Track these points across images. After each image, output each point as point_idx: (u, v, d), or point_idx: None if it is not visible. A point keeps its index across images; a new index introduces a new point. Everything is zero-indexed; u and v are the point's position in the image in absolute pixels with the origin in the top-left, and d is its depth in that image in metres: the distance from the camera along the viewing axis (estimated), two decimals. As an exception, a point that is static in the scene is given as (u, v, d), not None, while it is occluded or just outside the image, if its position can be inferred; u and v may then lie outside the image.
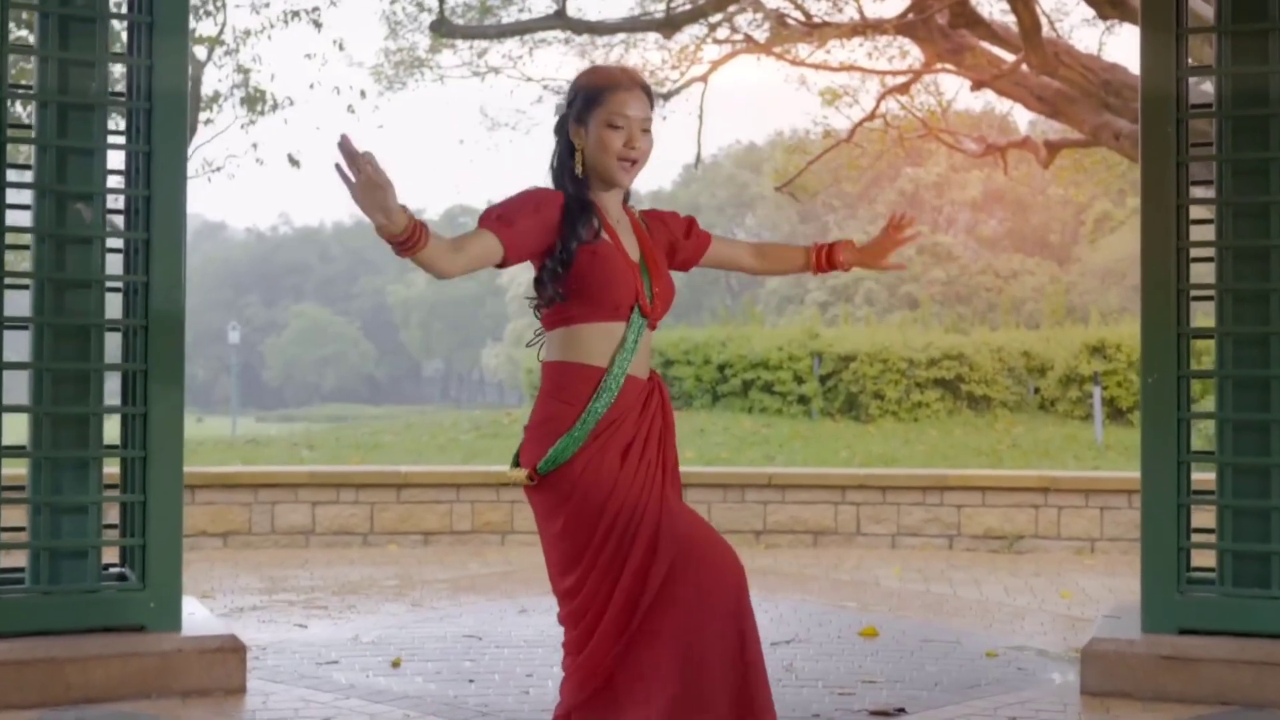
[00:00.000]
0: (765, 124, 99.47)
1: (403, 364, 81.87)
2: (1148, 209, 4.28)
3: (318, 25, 17.40)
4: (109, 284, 4.19)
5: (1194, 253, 4.25)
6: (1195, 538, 4.34)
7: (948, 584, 6.51)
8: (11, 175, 4.07)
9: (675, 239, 3.03)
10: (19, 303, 4.12)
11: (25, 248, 4.15)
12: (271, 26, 17.40)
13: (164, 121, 4.16)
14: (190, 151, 18.63)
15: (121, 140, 4.25)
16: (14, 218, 4.06)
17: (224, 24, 17.31)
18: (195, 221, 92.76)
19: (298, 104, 19.85)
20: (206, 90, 18.63)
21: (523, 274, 58.54)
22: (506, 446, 12.20)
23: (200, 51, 17.93)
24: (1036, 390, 14.18)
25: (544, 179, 2.98)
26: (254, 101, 18.23)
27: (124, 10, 4.41)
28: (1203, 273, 4.36)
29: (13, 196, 4.04)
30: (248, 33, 17.98)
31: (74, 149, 4.11)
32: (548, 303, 2.80)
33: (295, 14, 17.45)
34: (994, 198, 46.45)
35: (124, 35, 4.45)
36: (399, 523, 7.76)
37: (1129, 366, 13.20)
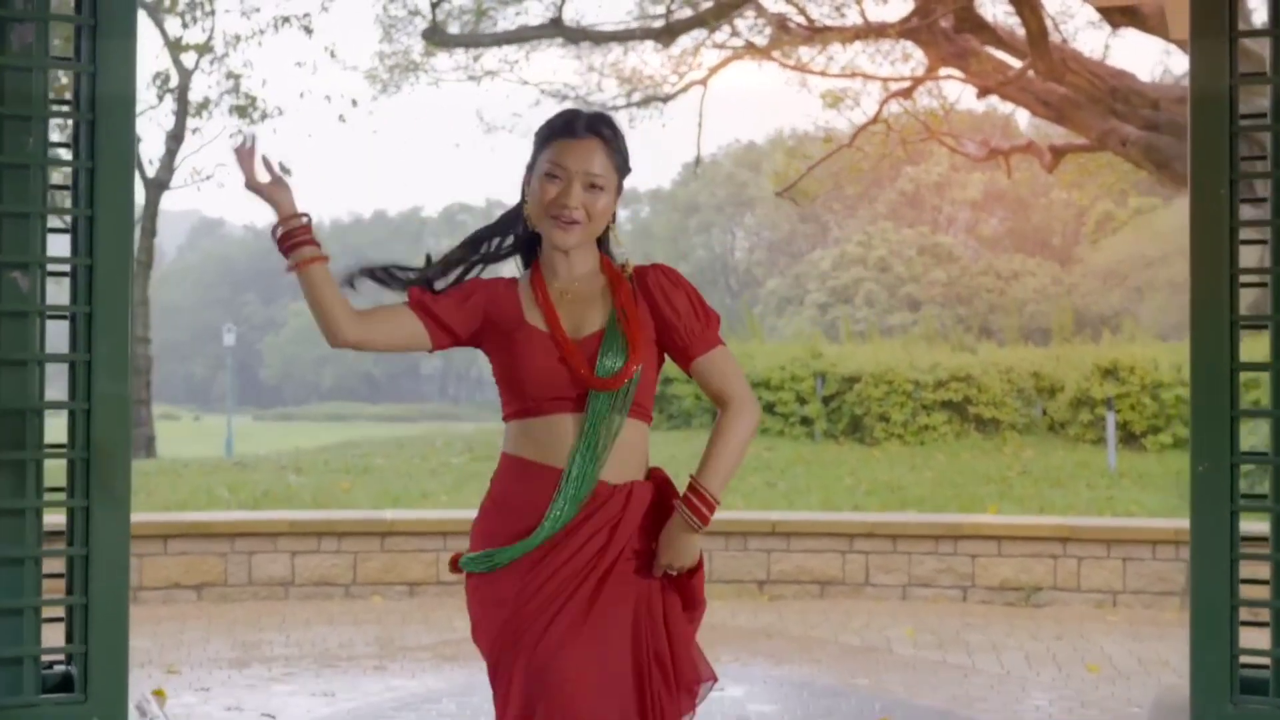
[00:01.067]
0: (765, 124, 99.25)
1: (401, 362, 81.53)
2: (1198, 280, 3.87)
3: (308, 31, 17.05)
4: (49, 361, 3.79)
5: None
6: (1245, 637, 3.94)
7: (964, 650, 6.12)
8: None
9: (673, 316, 2.51)
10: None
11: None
12: (261, 33, 17.05)
13: (108, 182, 3.76)
14: (177, 162, 18.25)
15: (65, 202, 3.85)
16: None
17: (212, 29, 16.96)
18: (193, 218, 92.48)
19: (290, 111, 19.59)
20: (196, 97, 18.29)
21: (521, 272, 57.94)
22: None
23: (188, 59, 17.57)
24: (1044, 411, 13.79)
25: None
26: (245, 110, 17.87)
27: (65, 60, 4.01)
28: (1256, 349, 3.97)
29: (-61, 267, 3.64)
30: (237, 38, 17.63)
31: (9, 213, 3.71)
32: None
33: (286, 20, 17.09)
34: (994, 197, 46.08)
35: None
36: (383, 573, 7.37)
37: (1143, 389, 12.81)
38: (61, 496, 3.77)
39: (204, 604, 7.06)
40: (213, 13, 16.82)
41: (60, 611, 3.89)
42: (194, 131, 17.83)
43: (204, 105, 18.09)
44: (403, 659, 5.82)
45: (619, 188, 2.56)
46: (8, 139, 3.70)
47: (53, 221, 3.84)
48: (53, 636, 3.88)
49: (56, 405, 3.75)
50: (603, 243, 2.59)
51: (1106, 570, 7.27)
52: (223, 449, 28.59)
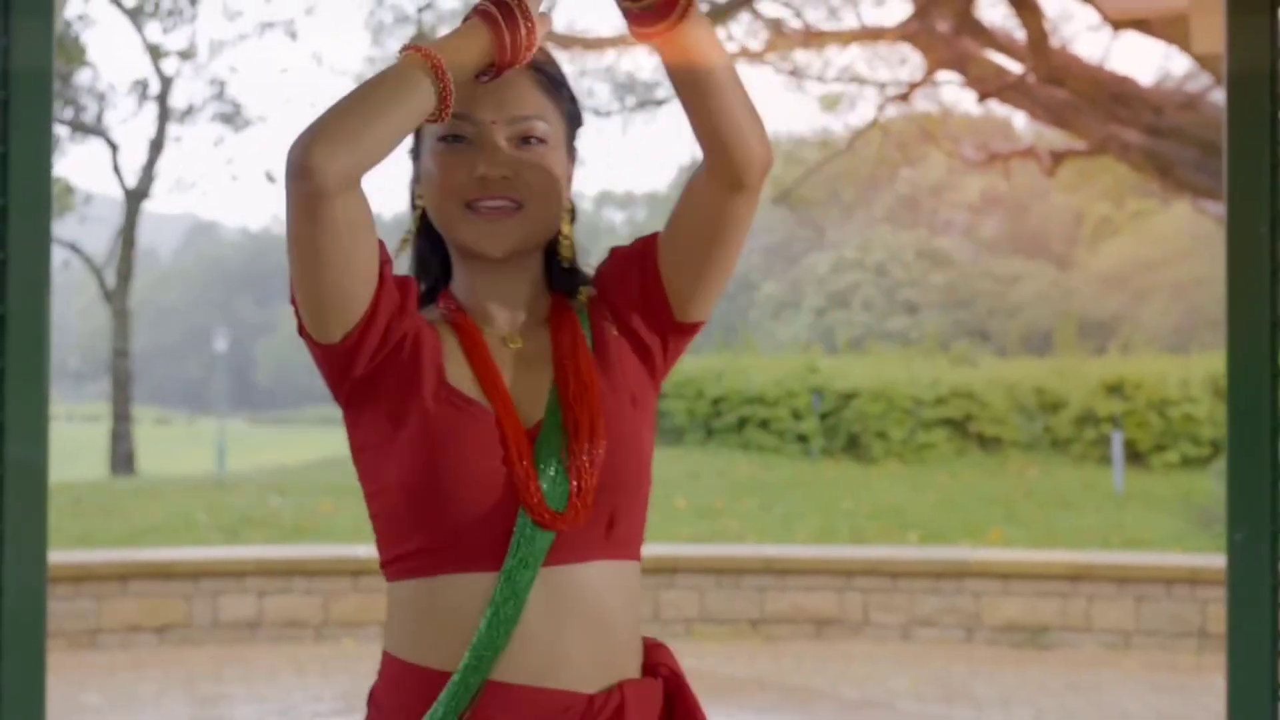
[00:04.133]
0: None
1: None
2: (1235, 327, 3.49)
3: (292, 35, 16.70)
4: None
5: None
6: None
7: (971, 704, 5.75)
8: None
9: (641, 306, 1.46)
10: None
11: None
12: (244, 38, 16.71)
13: (22, 220, 3.37)
14: (160, 170, 17.89)
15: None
16: None
17: (194, 35, 16.59)
18: (187, 221, 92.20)
19: (277, 117, 19.52)
20: (179, 104, 17.92)
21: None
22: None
23: (170, 65, 17.20)
24: (1046, 428, 13.43)
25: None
26: (231, 119, 17.51)
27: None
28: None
29: None
30: (221, 44, 17.28)
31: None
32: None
33: (270, 25, 16.75)
34: (992, 201, 45.78)
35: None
36: (356, 613, 6.98)
37: (1149, 406, 12.45)
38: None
39: (165, 649, 6.67)
40: (195, 17, 16.46)
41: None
42: (176, 139, 17.46)
43: (187, 112, 17.71)
44: None
45: (571, 149, 1.48)
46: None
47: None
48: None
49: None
50: (551, 257, 1.49)
51: (1119, 610, 6.89)
52: (214, 457, 28.24)
